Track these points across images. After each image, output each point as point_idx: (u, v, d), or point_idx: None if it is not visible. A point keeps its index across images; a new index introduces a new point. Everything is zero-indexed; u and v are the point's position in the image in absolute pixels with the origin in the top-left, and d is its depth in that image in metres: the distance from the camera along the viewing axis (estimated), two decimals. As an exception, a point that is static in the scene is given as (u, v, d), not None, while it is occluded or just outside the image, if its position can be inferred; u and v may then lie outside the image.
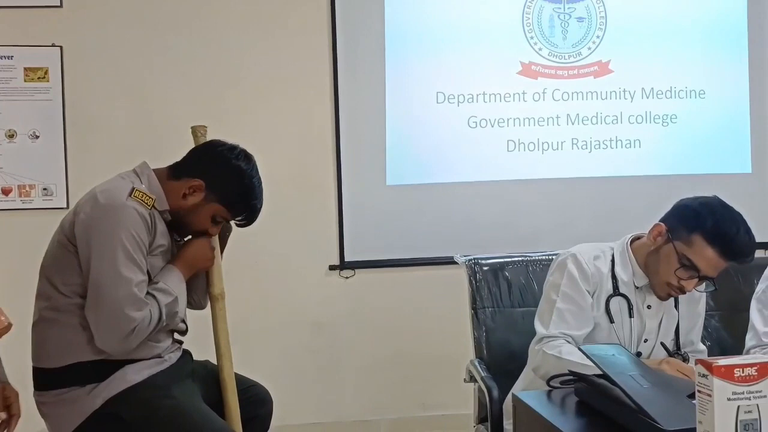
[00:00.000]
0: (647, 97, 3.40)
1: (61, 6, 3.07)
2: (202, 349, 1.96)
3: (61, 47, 3.07)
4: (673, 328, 1.88)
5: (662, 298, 1.83)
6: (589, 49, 3.38)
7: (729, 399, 1.01)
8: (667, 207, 3.51)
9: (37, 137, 3.08)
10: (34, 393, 1.68)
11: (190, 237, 1.83)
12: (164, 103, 3.11)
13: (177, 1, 3.16)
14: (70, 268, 1.62)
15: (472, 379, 2.19)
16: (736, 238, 1.70)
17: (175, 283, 1.71)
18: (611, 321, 1.81)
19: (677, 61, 3.40)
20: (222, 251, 1.92)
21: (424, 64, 3.29)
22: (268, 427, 1.99)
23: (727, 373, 1.01)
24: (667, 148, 3.44)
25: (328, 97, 3.23)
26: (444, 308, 3.11)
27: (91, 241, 1.60)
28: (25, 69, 3.05)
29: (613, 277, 1.83)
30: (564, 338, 1.77)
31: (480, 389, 2.10)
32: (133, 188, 1.65)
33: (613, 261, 1.85)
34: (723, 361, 1.02)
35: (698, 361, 1.05)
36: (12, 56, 3.04)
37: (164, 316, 1.67)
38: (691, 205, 1.82)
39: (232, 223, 1.86)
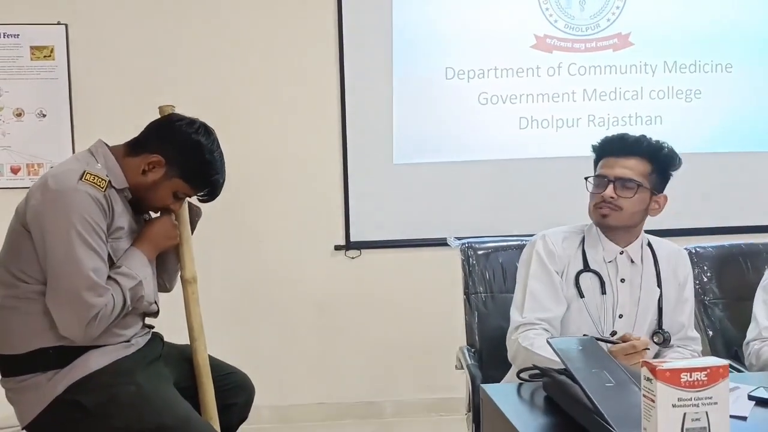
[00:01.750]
0: (669, 71, 3.22)
1: (65, -17, 3.07)
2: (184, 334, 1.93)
3: (66, 25, 3.07)
4: (653, 305, 1.80)
5: (604, 223, 1.79)
6: (608, 20, 3.21)
7: (674, 405, 0.92)
8: (691, 186, 3.37)
9: (45, 116, 3.10)
10: (0, 380, 1.67)
11: (156, 216, 1.79)
12: (169, 80, 3.08)
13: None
14: (27, 255, 1.59)
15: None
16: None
17: (138, 266, 1.67)
18: (581, 296, 1.77)
19: (702, 33, 3.20)
20: (192, 233, 1.87)
21: (432, 39, 3.18)
22: (246, 416, 1.95)
23: (672, 378, 0.91)
24: (690, 125, 3.26)
25: (333, 74, 3.16)
26: (452, 290, 3.02)
27: (45, 228, 1.56)
28: (32, 47, 3.06)
29: (583, 253, 1.80)
30: (541, 326, 1.72)
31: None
32: (85, 171, 1.60)
33: (583, 240, 1.83)
34: (669, 364, 0.93)
35: (644, 363, 0.96)
36: (18, 35, 3.05)
37: (128, 301, 1.63)
38: None
39: (195, 199, 1.81)
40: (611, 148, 1.81)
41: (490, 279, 2.21)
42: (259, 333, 3.18)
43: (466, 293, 2.21)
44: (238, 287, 3.15)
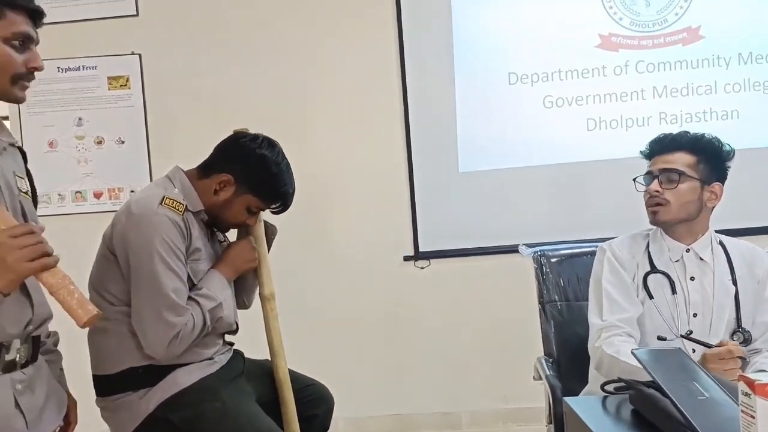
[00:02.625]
0: (744, 63, 3.10)
1: (137, 15, 3.21)
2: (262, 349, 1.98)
3: (139, 55, 3.21)
4: (729, 303, 1.74)
5: (655, 220, 1.79)
6: (676, 14, 3.11)
7: (776, 422, 0.88)
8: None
9: (123, 142, 3.25)
10: (96, 399, 1.75)
11: (232, 240, 1.85)
12: (239, 103, 3.19)
13: (247, 6, 3.22)
14: (113, 277, 1.67)
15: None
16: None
17: (218, 288, 1.72)
18: (651, 297, 1.76)
19: (779, 19, 3.06)
20: (268, 251, 1.92)
21: (493, 45, 3.16)
22: (328, 426, 1.98)
23: (773, 393, 0.88)
24: (770, 118, 3.12)
25: (395, 85, 3.19)
26: (524, 297, 2.97)
27: (128, 252, 1.64)
28: (108, 78, 3.22)
29: (649, 256, 1.80)
30: (624, 329, 1.71)
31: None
32: (164, 196, 1.67)
33: (649, 243, 1.83)
34: (768, 378, 0.89)
35: (741, 377, 0.92)
36: (96, 66, 3.22)
37: (208, 321, 1.69)
38: None
39: (268, 212, 1.85)
40: (656, 148, 1.83)
41: (565, 287, 2.17)
42: (333, 345, 3.22)
43: (541, 302, 2.18)
44: (310, 300, 3.20)
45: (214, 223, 1.80)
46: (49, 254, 1.19)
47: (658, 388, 1.21)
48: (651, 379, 1.29)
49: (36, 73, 1.35)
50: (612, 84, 3.14)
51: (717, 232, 1.86)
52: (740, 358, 1.53)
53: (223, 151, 1.79)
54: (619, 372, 1.61)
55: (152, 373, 1.67)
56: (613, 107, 3.15)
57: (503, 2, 3.16)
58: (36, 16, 1.32)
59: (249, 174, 1.74)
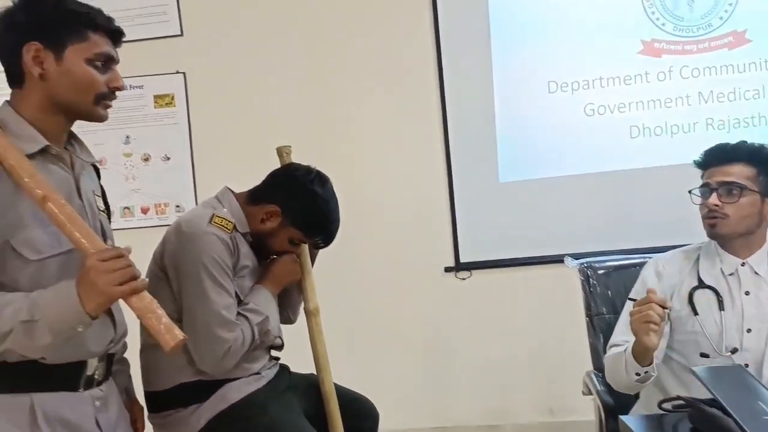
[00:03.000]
0: (794, 66, 3.02)
1: (182, 35, 3.28)
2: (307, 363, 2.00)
3: (184, 74, 3.28)
4: None
5: (714, 233, 1.73)
6: (721, 18, 3.05)
7: None
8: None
9: (168, 159, 3.32)
10: (148, 415, 1.78)
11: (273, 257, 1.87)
12: (281, 119, 3.23)
13: (286, 25, 3.26)
14: (164, 295, 1.69)
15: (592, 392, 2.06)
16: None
17: (264, 303, 1.76)
18: (695, 313, 1.71)
19: (829, 20, 2.98)
20: (312, 266, 1.94)
21: (532, 52, 3.14)
22: None
23: None
24: (823, 121, 3.03)
25: (434, 95, 3.19)
26: (568, 309, 2.94)
27: (179, 269, 1.68)
28: (155, 96, 3.30)
29: (698, 271, 1.75)
30: (623, 346, 1.68)
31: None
32: (213, 215, 1.70)
33: (699, 257, 1.78)
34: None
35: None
36: (142, 86, 3.30)
37: (257, 335, 1.72)
38: None
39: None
40: (713, 159, 1.77)
41: (613, 299, 2.13)
42: (375, 358, 3.22)
43: (589, 315, 2.15)
44: (351, 313, 3.21)
45: (257, 248, 1.82)
46: (137, 278, 1.19)
47: (720, 407, 1.19)
48: (710, 396, 1.26)
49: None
50: (655, 90, 3.09)
51: None
52: (662, 307, 1.49)
53: (275, 182, 1.82)
54: (615, 371, 1.65)
55: (202, 389, 1.70)
56: (657, 114, 3.10)
57: (542, 11, 3.13)
58: (116, 36, 1.35)
59: (297, 208, 1.77)
